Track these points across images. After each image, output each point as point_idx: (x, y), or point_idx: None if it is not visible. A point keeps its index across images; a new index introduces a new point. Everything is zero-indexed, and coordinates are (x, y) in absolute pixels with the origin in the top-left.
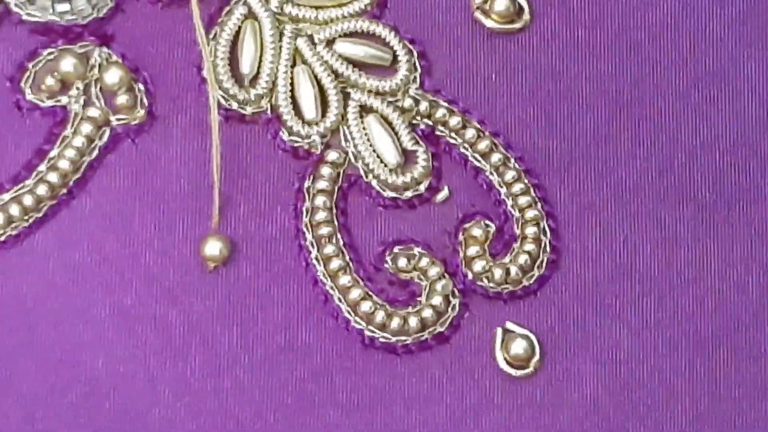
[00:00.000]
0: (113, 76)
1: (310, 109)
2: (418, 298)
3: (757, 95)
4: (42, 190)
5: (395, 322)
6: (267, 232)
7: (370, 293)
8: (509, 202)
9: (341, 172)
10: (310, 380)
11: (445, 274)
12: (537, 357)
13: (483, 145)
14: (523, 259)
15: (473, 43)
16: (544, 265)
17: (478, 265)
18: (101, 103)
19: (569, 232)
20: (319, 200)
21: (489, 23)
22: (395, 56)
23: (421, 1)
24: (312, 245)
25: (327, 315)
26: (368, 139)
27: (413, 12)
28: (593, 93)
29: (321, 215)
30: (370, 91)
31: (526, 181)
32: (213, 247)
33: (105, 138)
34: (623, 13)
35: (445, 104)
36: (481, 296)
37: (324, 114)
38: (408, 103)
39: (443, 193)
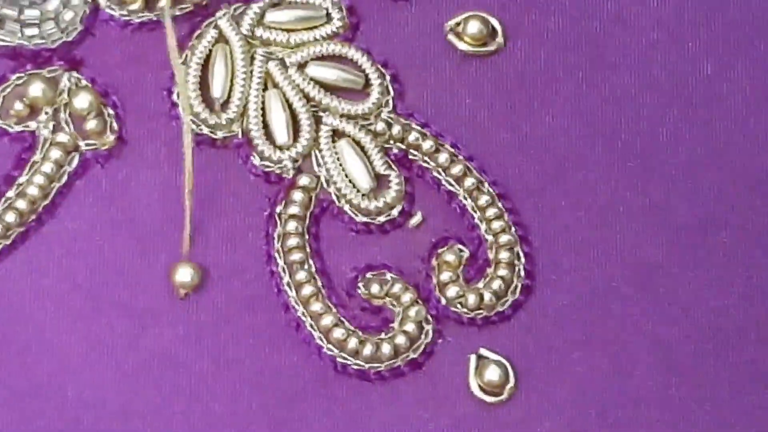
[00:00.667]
0: (82, 100)
1: (281, 133)
2: (391, 325)
3: (734, 117)
4: (10, 217)
5: (368, 349)
6: (238, 258)
7: (343, 320)
8: (483, 227)
9: (313, 197)
10: (282, 407)
11: (418, 300)
12: (511, 383)
13: (456, 169)
14: (497, 284)
15: (446, 66)
16: (518, 290)
17: (452, 291)
18: (70, 128)
19: (543, 256)
20: (291, 225)
21: (462, 46)
22: (367, 80)
23: (394, 24)
24: (284, 271)
25: (299, 342)
26: (340, 164)
27: (385, 35)
28: (567, 115)
29: (293, 241)
30: (342, 115)
31: (500, 205)
32: (184, 274)
33: (74, 163)
34: (598, 34)
35: (418, 128)
36: (454, 322)
37: (296, 138)
38: (380, 126)
39: (416, 218)
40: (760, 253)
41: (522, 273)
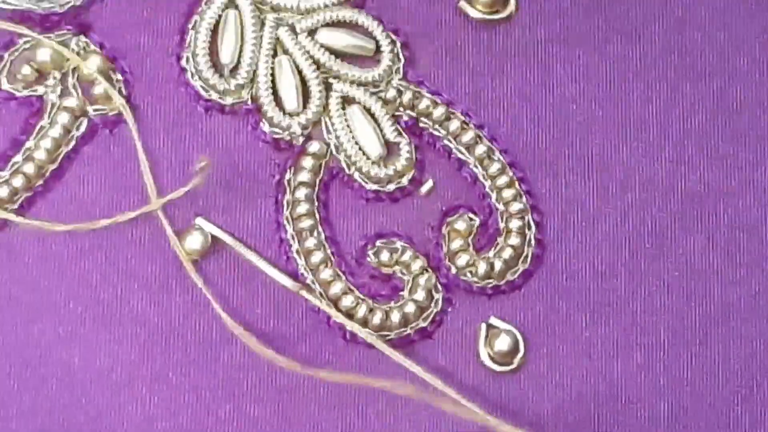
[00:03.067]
0: (91, 65)
1: (291, 100)
2: (401, 293)
3: (746, 86)
4: (18, 181)
5: (377, 317)
6: (247, 224)
7: (352, 287)
8: (494, 196)
9: (323, 164)
10: (290, 374)
11: (428, 269)
12: (521, 353)
13: (467, 137)
14: (507, 253)
15: (458, 33)
16: (528, 259)
17: (462, 260)
18: (78, 93)
19: (554, 226)
20: (300, 193)
21: (474, 13)
22: (378, 46)
23: None
24: (293, 238)
25: (308, 309)
26: (350, 131)
27: (396, 2)
28: (579, 84)
29: (302, 208)
30: (352, 82)
31: (510, 173)
32: (193, 241)
33: (82, 128)
34: (610, 2)
35: (429, 95)
36: (464, 291)
37: (305, 105)
38: (391, 94)
39: (428, 185)
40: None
41: (532, 242)
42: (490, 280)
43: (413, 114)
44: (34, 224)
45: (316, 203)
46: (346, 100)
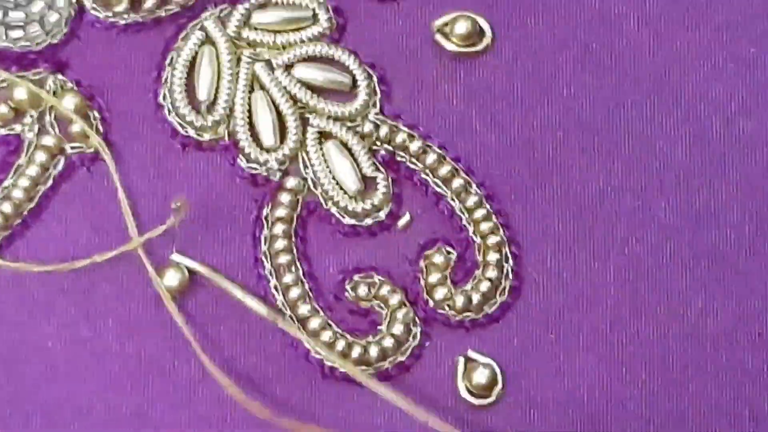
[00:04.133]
0: (68, 103)
1: (268, 135)
2: (379, 327)
3: (721, 117)
4: None
5: (355, 352)
6: (225, 261)
7: (330, 323)
8: (471, 228)
9: (300, 199)
10: (269, 411)
11: (406, 303)
12: (500, 386)
13: (444, 170)
14: (485, 286)
15: (434, 66)
16: (506, 292)
17: (440, 293)
18: (56, 131)
19: (532, 258)
20: (278, 228)
21: (450, 46)
22: (354, 81)
23: (381, 24)
24: (271, 274)
25: (286, 345)
26: (327, 166)
27: (373, 36)
28: (555, 116)
29: (280, 244)
30: (329, 117)
31: (487, 206)
32: (171, 278)
33: (60, 166)
34: (586, 34)
35: (406, 129)
36: (442, 324)
37: (282, 140)
38: (368, 128)
39: (405, 219)
40: (749, 253)
41: (510, 274)
42: (468, 314)
43: (390, 148)
44: (11, 266)
45: (294, 239)
46: (323, 135)
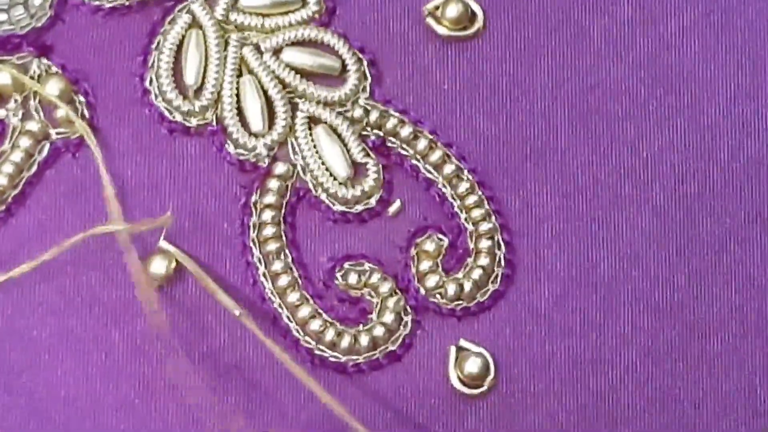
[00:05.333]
0: (53, 88)
1: (256, 120)
2: (369, 316)
3: (715, 101)
4: None
5: (345, 341)
6: (213, 248)
7: (320, 311)
8: (463, 215)
9: (289, 185)
10: (258, 401)
11: (397, 291)
12: (492, 375)
13: (435, 156)
14: (477, 273)
15: (425, 50)
16: (498, 279)
17: (431, 281)
18: (40, 116)
19: (524, 245)
20: (267, 215)
21: (441, 30)
22: (344, 65)
23: (371, 8)
24: (259, 262)
25: (275, 334)
26: (317, 152)
27: (363, 19)
28: (548, 101)
29: (268, 231)
30: (318, 102)
31: (479, 193)
32: (158, 265)
33: (44, 152)
34: (580, 17)
35: (397, 114)
36: (434, 313)
37: (271, 126)
38: (358, 113)
39: (395, 205)
40: (743, 242)
41: (502, 262)
42: (460, 302)
43: (380, 133)
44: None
45: (283, 225)
46: (313, 120)
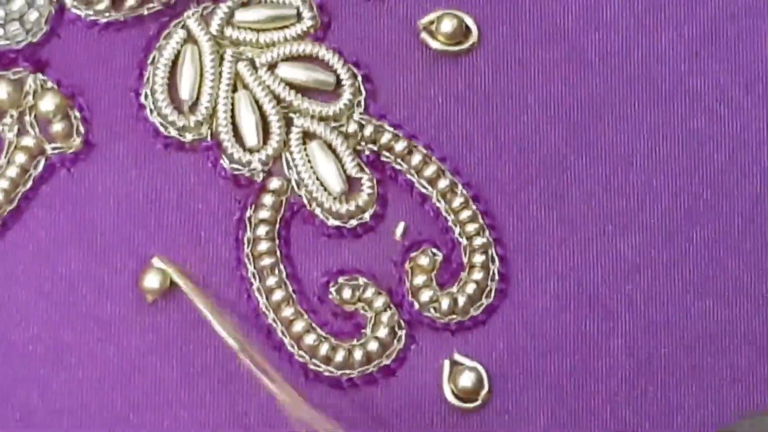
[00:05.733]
0: (48, 103)
1: (251, 135)
2: (363, 331)
3: (710, 115)
4: None
5: (340, 355)
6: (207, 263)
7: (314, 326)
8: (456, 230)
9: (284, 200)
10: (252, 415)
11: (391, 305)
12: (486, 389)
13: (430, 171)
14: (471, 288)
15: (419, 65)
16: (492, 293)
17: (425, 295)
18: (36, 131)
19: (518, 259)
20: (261, 230)
21: (435, 45)
22: (339, 80)
23: (366, 23)
24: (254, 276)
25: (270, 348)
26: (311, 166)
27: (357, 34)
28: (543, 115)
29: (263, 246)
30: (313, 117)
31: (474, 207)
32: (152, 280)
33: (40, 168)
34: (574, 32)
35: (391, 129)
36: (428, 327)
37: (266, 141)
38: (352, 128)
39: (401, 228)
40: (737, 253)
41: (496, 276)
42: (454, 316)
43: (375, 148)
44: None
45: (277, 241)
46: (307, 135)
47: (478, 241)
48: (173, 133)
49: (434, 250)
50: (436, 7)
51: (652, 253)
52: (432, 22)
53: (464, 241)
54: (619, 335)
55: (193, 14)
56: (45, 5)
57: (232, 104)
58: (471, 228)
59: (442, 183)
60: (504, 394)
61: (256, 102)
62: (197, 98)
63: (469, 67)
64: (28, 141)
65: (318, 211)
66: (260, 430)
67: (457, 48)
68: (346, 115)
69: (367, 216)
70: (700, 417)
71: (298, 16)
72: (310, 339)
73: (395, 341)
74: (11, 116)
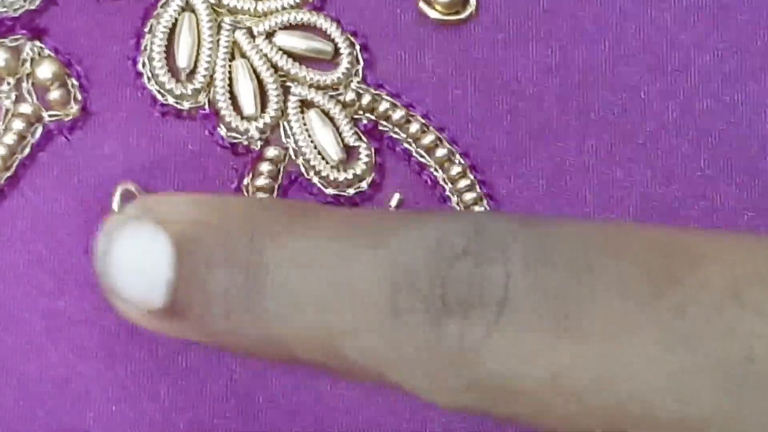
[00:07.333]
0: (46, 70)
1: (249, 104)
2: None
3: (708, 88)
4: None
5: None
6: None
7: None
8: (455, 199)
9: (281, 168)
10: (250, 383)
11: None
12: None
13: (427, 139)
14: None
15: (417, 34)
16: None
17: None
18: (33, 98)
19: None
20: None
21: (433, 14)
22: (337, 49)
23: None
24: None
25: None
26: (309, 135)
27: (355, 3)
28: (541, 85)
29: None
30: (310, 86)
31: (471, 176)
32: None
33: (37, 135)
34: (572, 3)
35: (389, 98)
36: None
37: (263, 109)
38: (350, 97)
39: (396, 199)
40: (738, 227)
41: None
42: None
43: (372, 117)
44: None
45: None
46: (305, 104)
47: (476, 209)
48: (170, 101)
49: None
50: None
51: (651, 222)
52: None
53: (462, 210)
54: None
55: None
56: None
57: (230, 72)
58: (469, 197)
59: (440, 152)
60: None
61: (254, 70)
62: (195, 66)
63: (467, 36)
64: (25, 108)
65: (315, 179)
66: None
67: (454, 17)
68: (343, 83)
69: (364, 185)
70: None
71: None
72: None
73: None
74: (8, 83)
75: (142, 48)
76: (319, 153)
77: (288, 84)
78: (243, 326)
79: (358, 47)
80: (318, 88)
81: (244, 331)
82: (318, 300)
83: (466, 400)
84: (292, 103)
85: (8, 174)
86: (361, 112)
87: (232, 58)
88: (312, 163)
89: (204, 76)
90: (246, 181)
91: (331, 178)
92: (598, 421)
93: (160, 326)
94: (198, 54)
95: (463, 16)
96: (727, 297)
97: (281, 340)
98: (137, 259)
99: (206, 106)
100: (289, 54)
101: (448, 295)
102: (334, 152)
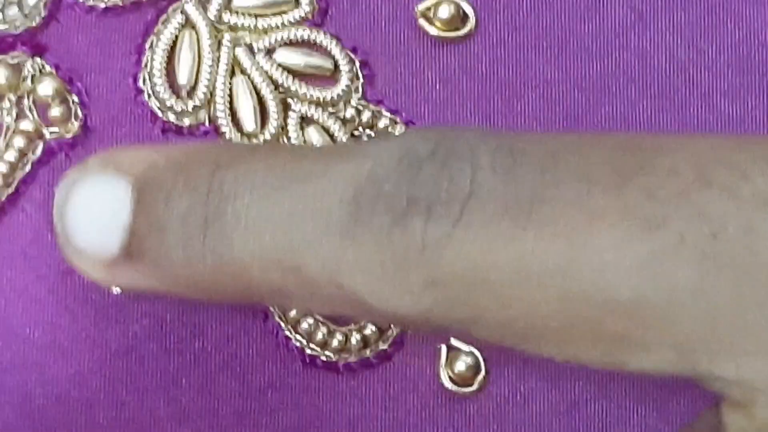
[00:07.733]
0: (46, 87)
1: (249, 120)
2: None
3: (707, 106)
4: None
5: (336, 340)
6: None
7: None
8: None
9: None
10: (249, 400)
11: None
12: (482, 374)
13: None
14: None
15: (417, 51)
16: None
17: None
18: (34, 115)
19: None
20: None
21: (433, 30)
22: (336, 65)
23: (364, 8)
24: None
25: (266, 333)
26: None
27: (355, 20)
28: (540, 102)
29: None
30: (310, 102)
31: None
32: None
33: (38, 152)
34: (572, 20)
35: (388, 114)
36: None
37: (263, 126)
38: (350, 113)
39: None
40: None
41: None
42: None
43: (372, 133)
44: None
45: None
46: (305, 120)
47: None
48: (171, 117)
49: None
50: None
51: None
52: (429, 8)
53: None
54: None
55: None
56: None
57: (230, 89)
58: None
59: None
60: (500, 379)
61: (254, 87)
62: (195, 83)
63: (466, 53)
64: (26, 125)
65: None
66: (256, 413)
67: (454, 34)
68: (343, 100)
69: None
70: (699, 393)
71: (296, 2)
72: (306, 323)
73: (392, 326)
74: (9, 100)
75: (143, 65)
76: None
77: (288, 100)
78: (200, 254)
79: (357, 64)
80: (318, 104)
81: (201, 260)
82: (279, 221)
83: (429, 301)
84: (292, 119)
85: (9, 191)
86: (360, 129)
87: (233, 74)
88: None
89: (204, 92)
90: None
91: None
92: (561, 308)
93: (114, 276)
94: (198, 71)
95: (462, 32)
96: (696, 180)
97: (239, 263)
98: (96, 207)
99: (207, 123)
100: (289, 70)
101: (413, 195)
102: None
